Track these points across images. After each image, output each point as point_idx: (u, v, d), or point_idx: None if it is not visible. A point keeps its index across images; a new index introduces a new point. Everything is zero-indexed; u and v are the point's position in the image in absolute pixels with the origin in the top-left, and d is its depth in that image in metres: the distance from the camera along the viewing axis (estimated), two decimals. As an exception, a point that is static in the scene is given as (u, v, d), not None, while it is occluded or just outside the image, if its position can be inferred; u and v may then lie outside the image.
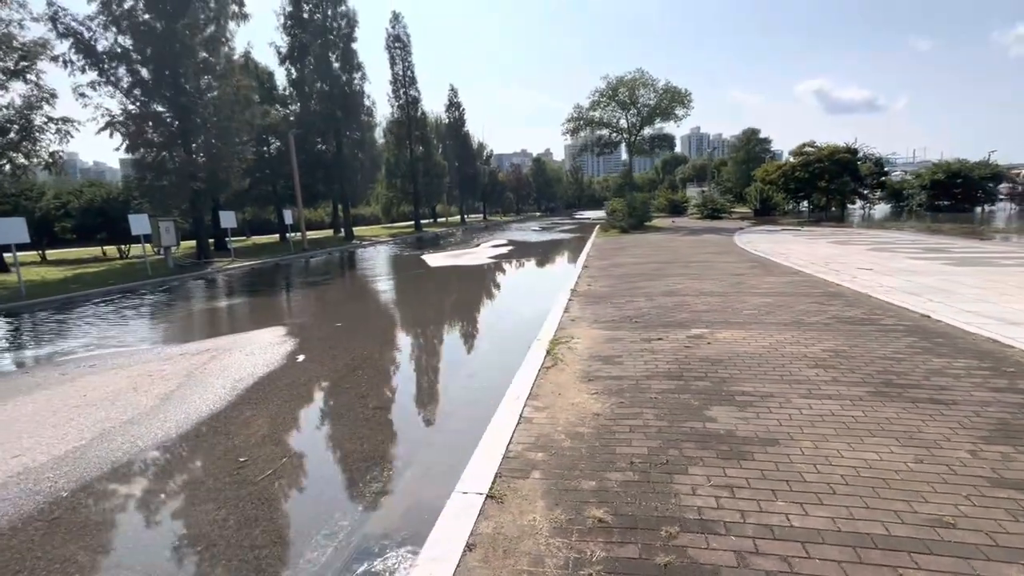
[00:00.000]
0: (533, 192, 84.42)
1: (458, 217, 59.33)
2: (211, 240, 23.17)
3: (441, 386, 5.77)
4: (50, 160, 17.92)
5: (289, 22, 28.80)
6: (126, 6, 18.38)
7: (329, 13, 29.62)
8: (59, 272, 17.89)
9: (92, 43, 17.81)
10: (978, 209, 34.96)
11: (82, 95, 18.48)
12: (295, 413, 5.10)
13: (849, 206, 39.32)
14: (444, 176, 44.83)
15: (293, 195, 29.77)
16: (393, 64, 38.12)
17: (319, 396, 5.59)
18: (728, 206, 39.68)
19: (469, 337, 8.26)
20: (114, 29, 18.24)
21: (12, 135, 16.33)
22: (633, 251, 16.89)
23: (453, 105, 50.80)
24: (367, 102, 32.30)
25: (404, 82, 38.47)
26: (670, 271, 11.76)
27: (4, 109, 16.71)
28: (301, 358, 6.77)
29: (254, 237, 36.16)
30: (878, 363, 4.88)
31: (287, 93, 31.22)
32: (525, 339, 7.41)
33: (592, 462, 3.32)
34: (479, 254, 21.21)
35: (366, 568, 2.73)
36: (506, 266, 17.39)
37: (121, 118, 18.24)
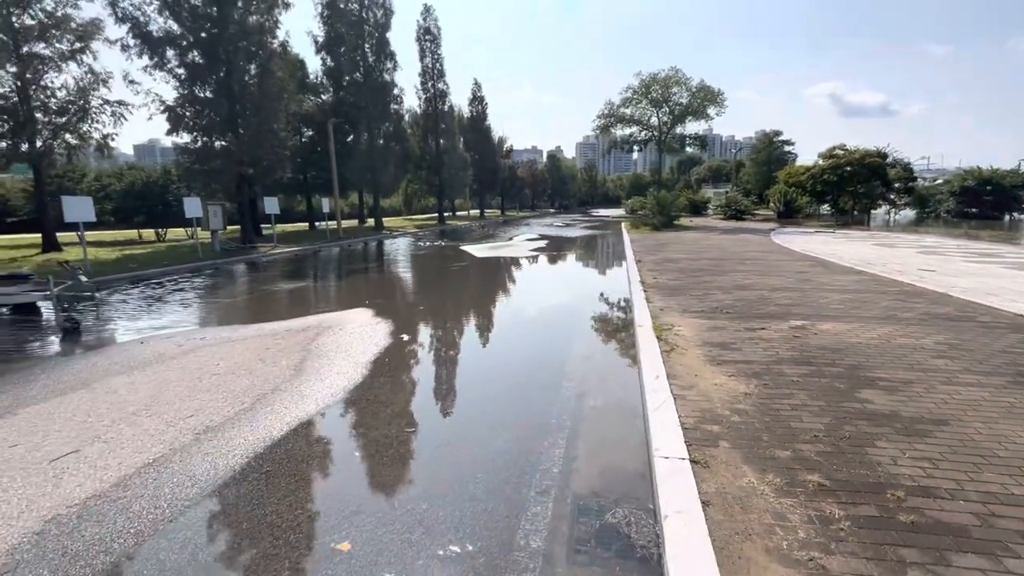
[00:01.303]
0: (548, 189, 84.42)
1: (476, 211, 59.49)
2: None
3: (559, 363, 5.93)
4: (102, 142, 18.27)
5: (327, 12, 29.02)
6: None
7: (366, 2, 29.84)
8: (108, 252, 18.23)
9: (147, 27, 18.09)
10: (1006, 217, 34.80)
11: (132, 82, 18.74)
12: (432, 386, 5.30)
13: (872, 211, 39.11)
14: (467, 169, 44.95)
15: (323, 184, 30.09)
16: (423, 57, 38.27)
17: (446, 371, 5.80)
18: (752, 207, 39.63)
19: (557, 322, 8.35)
20: (167, 13, 18.52)
21: (70, 116, 16.66)
22: (676, 247, 17.01)
23: (476, 99, 50.79)
24: (396, 92, 32.53)
25: (433, 75, 38.61)
26: (728, 267, 11.88)
27: (60, 90, 17.09)
28: (405, 336, 6.98)
29: (280, 225, 36.46)
30: (1000, 356, 5.02)
31: (319, 82, 31.45)
32: (618, 325, 7.62)
33: (773, 435, 3.50)
34: (518, 247, 21.38)
35: (602, 521, 2.92)
36: (554, 258, 17.54)
37: (173, 103, 18.52)
